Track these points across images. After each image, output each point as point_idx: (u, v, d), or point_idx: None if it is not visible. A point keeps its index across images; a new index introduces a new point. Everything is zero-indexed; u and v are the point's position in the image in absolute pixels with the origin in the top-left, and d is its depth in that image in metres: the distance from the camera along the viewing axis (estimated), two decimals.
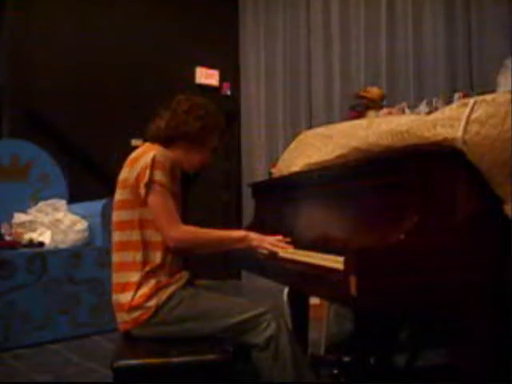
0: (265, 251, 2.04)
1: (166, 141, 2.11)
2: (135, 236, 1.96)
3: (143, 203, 1.95)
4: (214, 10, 6.70)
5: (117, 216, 2.03)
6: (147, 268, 1.94)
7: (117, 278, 1.99)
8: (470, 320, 1.39)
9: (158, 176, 1.93)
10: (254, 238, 2.05)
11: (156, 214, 1.94)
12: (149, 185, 1.92)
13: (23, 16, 5.20)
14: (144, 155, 1.97)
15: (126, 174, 2.01)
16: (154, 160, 1.93)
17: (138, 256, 1.94)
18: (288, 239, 2.06)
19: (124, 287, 1.94)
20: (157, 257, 1.96)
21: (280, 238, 2.06)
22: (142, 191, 1.92)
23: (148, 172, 1.92)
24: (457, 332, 1.42)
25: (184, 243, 1.97)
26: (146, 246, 1.96)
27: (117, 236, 2.02)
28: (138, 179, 1.94)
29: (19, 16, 5.19)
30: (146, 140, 2.17)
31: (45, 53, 5.29)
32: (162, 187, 1.94)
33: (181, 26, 6.40)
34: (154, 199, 1.93)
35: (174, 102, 2.17)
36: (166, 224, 1.93)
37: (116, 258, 2.01)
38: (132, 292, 1.92)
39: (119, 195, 2.03)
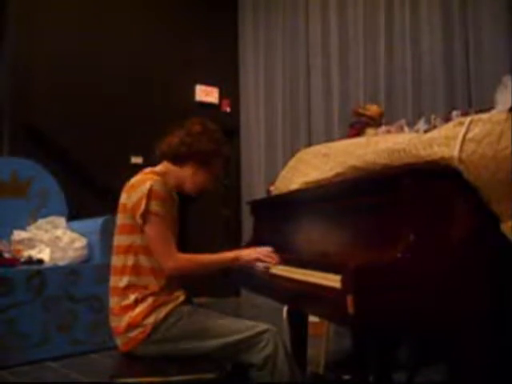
0: (259, 266, 2.07)
1: (176, 158, 2.13)
2: (132, 261, 1.98)
3: (141, 230, 1.97)
4: (214, 27, 6.77)
5: (117, 240, 2.05)
6: (145, 291, 1.96)
7: (114, 302, 2.00)
8: (467, 338, 1.39)
9: (155, 206, 1.94)
10: (244, 255, 2.10)
11: (153, 243, 1.96)
12: (144, 215, 1.94)
13: (24, 32, 5.26)
14: (141, 185, 1.98)
15: (124, 199, 2.03)
16: (150, 190, 1.95)
17: (136, 280, 1.96)
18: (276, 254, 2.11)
19: (121, 311, 1.96)
20: (153, 282, 1.97)
21: (270, 249, 2.12)
22: (139, 221, 1.95)
23: (144, 203, 1.93)
24: (454, 351, 1.41)
25: (180, 271, 1.99)
26: (143, 270, 1.98)
27: (117, 260, 2.03)
28: (134, 209, 1.96)
29: (21, 32, 5.24)
30: (159, 158, 2.18)
31: (45, 70, 5.33)
32: (159, 217, 1.95)
33: (180, 44, 6.46)
34: (150, 230, 1.95)
35: (189, 123, 2.18)
36: (163, 253, 1.95)
37: (115, 282, 2.02)
38: (129, 313, 1.93)
39: (120, 220, 2.05)
